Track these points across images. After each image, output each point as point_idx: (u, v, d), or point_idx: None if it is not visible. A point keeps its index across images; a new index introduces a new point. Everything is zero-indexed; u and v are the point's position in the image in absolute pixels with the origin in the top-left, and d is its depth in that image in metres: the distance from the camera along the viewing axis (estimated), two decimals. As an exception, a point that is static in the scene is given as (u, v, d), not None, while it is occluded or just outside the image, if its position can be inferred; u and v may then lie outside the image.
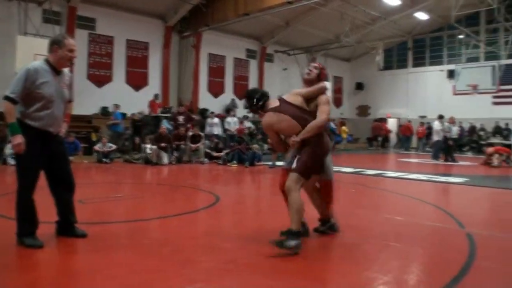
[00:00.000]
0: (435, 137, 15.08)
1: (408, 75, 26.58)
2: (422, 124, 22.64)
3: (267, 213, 5.94)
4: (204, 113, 18.04)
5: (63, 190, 3.88)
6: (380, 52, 22.73)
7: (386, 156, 19.63)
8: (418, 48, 26.40)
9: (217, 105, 20.73)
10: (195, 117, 15.86)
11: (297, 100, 3.86)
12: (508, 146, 17.21)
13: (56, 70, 3.69)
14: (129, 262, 3.37)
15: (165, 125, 13.70)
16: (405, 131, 23.33)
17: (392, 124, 26.39)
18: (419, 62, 26.37)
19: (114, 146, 12.99)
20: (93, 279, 3.00)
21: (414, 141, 23.33)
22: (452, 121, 15.11)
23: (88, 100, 16.12)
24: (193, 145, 13.18)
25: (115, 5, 17.17)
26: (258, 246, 3.81)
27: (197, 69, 20.13)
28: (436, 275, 3.21)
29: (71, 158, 11.27)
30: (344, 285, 3.03)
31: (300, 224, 3.69)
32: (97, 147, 12.72)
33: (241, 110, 20.17)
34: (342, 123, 24.77)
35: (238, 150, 12.93)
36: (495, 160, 12.96)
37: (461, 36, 23.34)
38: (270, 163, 11.98)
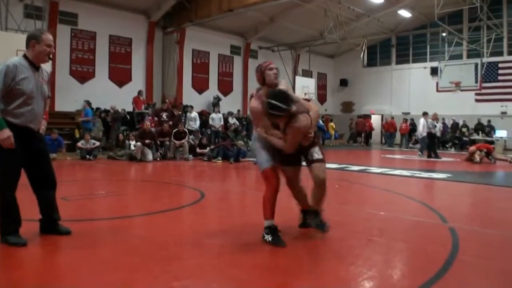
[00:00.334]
0: (422, 133, 15.13)
1: (392, 72, 26.87)
2: (405, 120, 22.90)
3: (252, 209, 5.91)
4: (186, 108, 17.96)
5: (45, 187, 3.81)
6: (364, 48, 22.91)
7: (370, 152, 19.77)
8: (402, 45, 26.71)
9: (201, 101, 20.64)
10: (177, 113, 15.70)
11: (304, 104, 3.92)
12: (490, 142, 17.52)
13: (35, 66, 3.63)
14: (114, 259, 3.34)
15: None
16: (388, 128, 23.55)
17: (376, 121, 26.58)
18: (402, 59, 26.67)
19: (97, 143, 12.84)
20: (77, 276, 2.97)
21: (398, 137, 23.58)
22: (435, 117, 15.25)
23: (71, 97, 15.95)
24: (177, 142, 13.11)
25: (97, 0, 16.95)
26: (243, 242, 3.81)
27: (181, 65, 20.01)
28: (421, 268, 3.25)
29: (54, 155, 11.16)
30: (329, 280, 3.04)
31: None
32: (80, 143, 12.57)
33: (225, 106, 20.16)
34: (329, 119, 24.90)
35: (223, 146, 12.90)
36: (477, 156, 13.21)
37: (444, 34, 23.63)
38: (255, 159, 11.93)
